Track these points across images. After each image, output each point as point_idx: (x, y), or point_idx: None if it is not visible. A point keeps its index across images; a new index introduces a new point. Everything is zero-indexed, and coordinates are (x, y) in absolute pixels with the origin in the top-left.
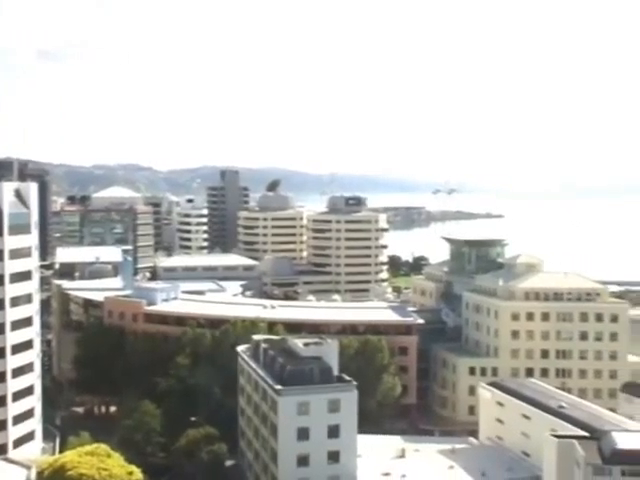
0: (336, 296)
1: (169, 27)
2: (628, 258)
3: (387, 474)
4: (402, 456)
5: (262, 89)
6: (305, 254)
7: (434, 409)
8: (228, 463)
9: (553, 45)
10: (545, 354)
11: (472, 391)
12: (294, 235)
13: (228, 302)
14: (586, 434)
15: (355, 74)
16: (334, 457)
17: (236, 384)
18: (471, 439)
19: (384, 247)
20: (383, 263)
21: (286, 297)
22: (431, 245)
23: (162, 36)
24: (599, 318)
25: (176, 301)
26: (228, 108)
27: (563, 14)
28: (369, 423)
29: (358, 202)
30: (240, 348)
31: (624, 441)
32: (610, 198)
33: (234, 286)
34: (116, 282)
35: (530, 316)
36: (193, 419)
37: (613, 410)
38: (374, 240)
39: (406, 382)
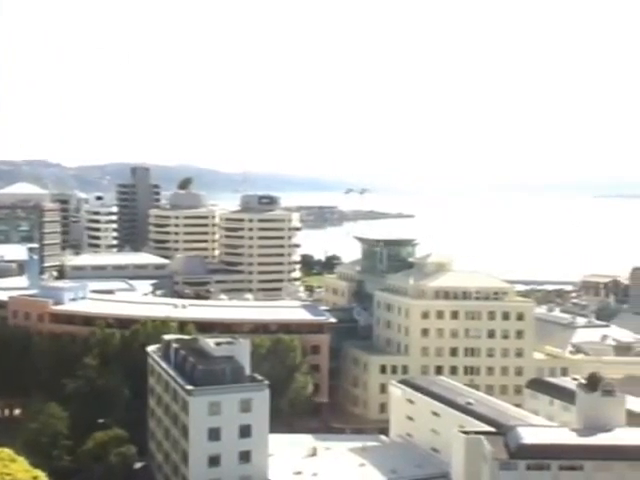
0: (248, 295)
1: (74, 19)
2: (538, 256)
3: (299, 473)
4: (314, 455)
5: (172, 85)
6: (217, 253)
7: (346, 407)
8: (137, 465)
9: (471, 40)
10: (454, 352)
11: (383, 389)
12: (206, 234)
13: (138, 301)
14: (493, 430)
15: (267, 71)
16: (245, 457)
17: (146, 385)
18: (382, 437)
19: (297, 246)
20: (296, 262)
21: (198, 296)
22: (343, 244)
23: (64, 26)
24: (506, 316)
25: (84, 301)
26: (139, 103)
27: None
28: (281, 422)
29: (271, 201)
30: (150, 348)
31: (529, 436)
32: (527, 195)
33: (145, 285)
34: (21, 281)
35: (440, 314)
36: (101, 421)
37: (519, 406)
38: (287, 239)
39: (318, 381)
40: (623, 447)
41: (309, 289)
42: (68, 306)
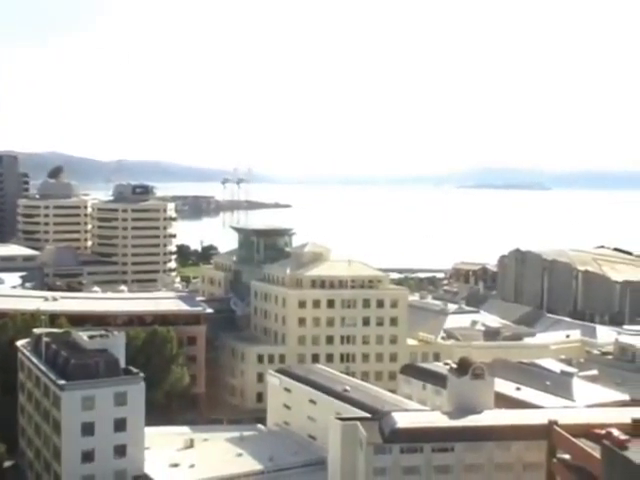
0: (123, 287)
1: None
2: (410, 245)
3: (175, 465)
4: (191, 446)
5: (41, 68)
6: (90, 244)
7: (223, 398)
8: (7, 464)
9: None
10: (330, 340)
11: (260, 378)
12: (78, 224)
13: (6, 295)
14: (368, 415)
15: (145, 56)
16: (121, 451)
17: (16, 381)
18: (259, 426)
19: (173, 236)
20: (171, 252)
21: (69, 288)
22: (220, 234)
23: None
24: (380, 304)
25: None
26: (4, 89)
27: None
28: (157, 415)
29: (145, 190)
30: (20, 343)
31: (403, 420)
32: (397, 187)
33: (13, 278)
34: None
35: (316, 303)
36: None
37: (393, 391)
38: (162, 229)
39: (195, 372)
40: (491, 428)
41: (185, 280)
42: None
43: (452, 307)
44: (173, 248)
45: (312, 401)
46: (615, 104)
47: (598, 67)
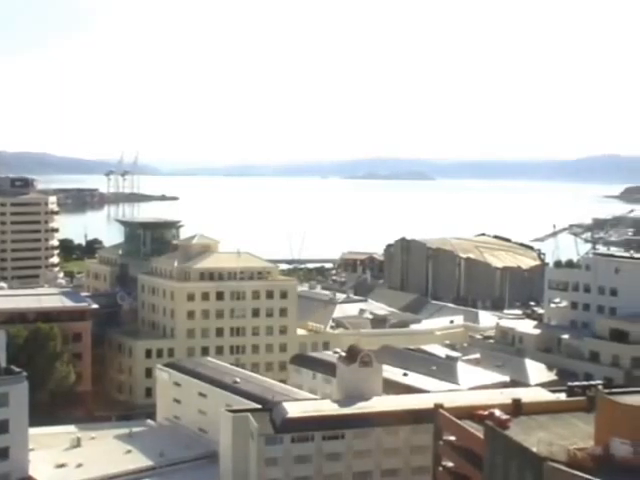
0: (2, 283)
1: None
2: (299, 236)
3: (62, 465)
4: (77, 445)
5: None
6: None
7: (111, 394)
8: None
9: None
10: (220, 332)
11: (149, 373)
12: None
13: None
14: (259, 406)
15: (17, 46)
16: (3, 454)
17: None
18: (149, 421)
19: (55, 231)
20: (54, 247)
21: None
22: (105, 228)
23: None
24: (270, 295)
25: None
26: None
27: None
28: (42, 414)
29: (25, 184)
30: None
31: (293, 410)
32: (278, 179)
33: None
34: None
35: (205, 296)
36: None
37: (284, 381)
38: (44, 224)
39: (81, 369)
40: (379, 414)
41: (69, 275)
42: None
43: (340, 296)
44: (55, 243)
45: (202, 394)
46: (500, 95)
47: (483, 60)
